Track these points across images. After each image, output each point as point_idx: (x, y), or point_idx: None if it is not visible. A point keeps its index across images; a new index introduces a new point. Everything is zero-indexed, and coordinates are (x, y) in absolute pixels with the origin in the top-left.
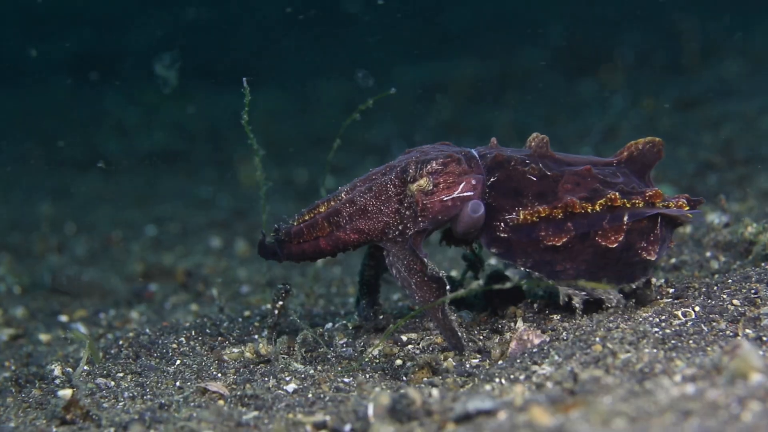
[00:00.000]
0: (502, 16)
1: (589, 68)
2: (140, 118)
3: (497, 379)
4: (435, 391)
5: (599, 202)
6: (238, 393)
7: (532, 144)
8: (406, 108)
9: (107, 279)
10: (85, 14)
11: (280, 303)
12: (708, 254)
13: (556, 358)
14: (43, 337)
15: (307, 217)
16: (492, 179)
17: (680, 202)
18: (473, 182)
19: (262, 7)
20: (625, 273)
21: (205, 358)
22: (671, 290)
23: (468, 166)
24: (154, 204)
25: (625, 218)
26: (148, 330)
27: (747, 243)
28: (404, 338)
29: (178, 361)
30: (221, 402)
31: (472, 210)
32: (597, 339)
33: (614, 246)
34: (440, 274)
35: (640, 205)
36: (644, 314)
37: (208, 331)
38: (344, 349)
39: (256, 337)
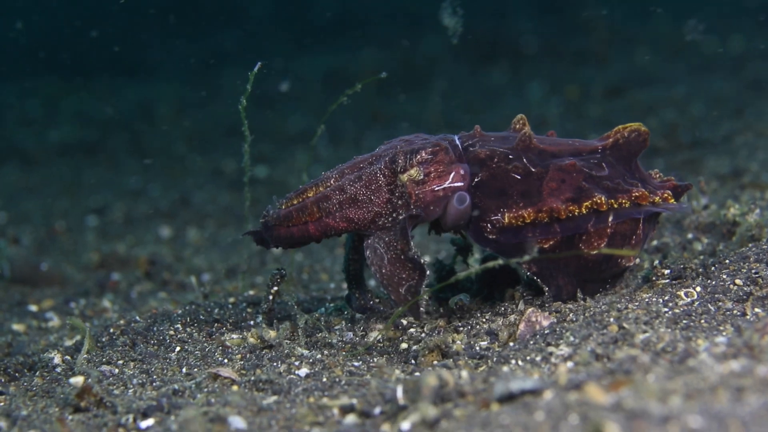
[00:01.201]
0: (400, 5)
1: (493, 57)
2: (42, 111)
3: (513, 361)
4: (464, 373)
5: (585, 204)
6: (252, 378)
7: (517, 127)
8: (313, 98)
9: (64, 269)
10: None
11: (275, 288)
12: (690, 236)
13: (572, 339)
14: (17, 326)
15: (295, 201)
16: (476, 179)
17: (666, 194)
18: (462, 172)
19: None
20: (606, 282)
21: (206, 345)
22: (666, 271)
23: (454, 155)
24: (83, 195)
25: (610, 219)
26: (137, 317)
27: (730, 224)
28: (404, 322)
29: (178, 348)
30: (235, 387)
31: (458, 201)
32: (611, 319)
33: (594, 254)
34: (421, 260)
35: (627, 206)
36: (645, 295)
37: (202, 317)
38: (345, 334)
39: (252, 323)
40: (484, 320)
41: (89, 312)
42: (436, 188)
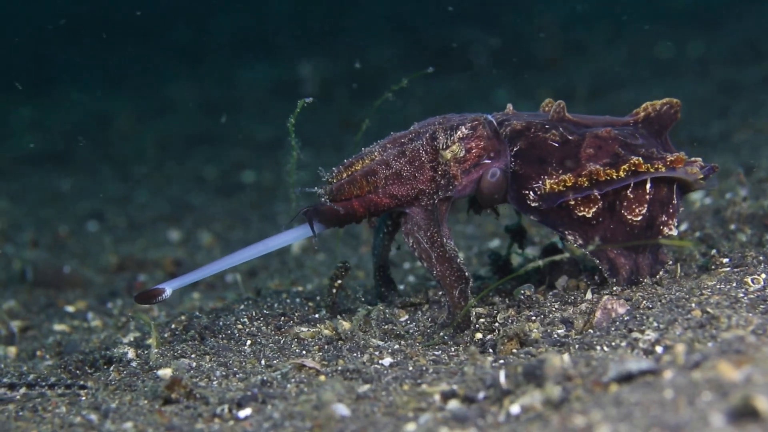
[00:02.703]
0: (348, 16)
1: (444, 65)
2: None
3: (598, 347)
4: (566, 357)
5: (623, 167)
6: (339, 368)
7: (546, 109)
8: (266, 107)
9: (83, 272)
10: None
11: (339, 282)
12: (732, 227)
13: (656, 324)
14: (59, 327)
15: (344, 175)
16: (515, 148)
17: (694, 169)
18: (499, 147)
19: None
20: (654, 255)
21: (279, 337)
22: (725, 260)
23: (491, 131)
24: (70, 202)
25: (648, 187)
26: (198, 313)
27: None
28: (473, 312)
29: (249, 341)
30: (322, 377)
31: (490, 175)
32: (693, 305)
33: (638, 219)
34: (458, 259)
35: (662, 170)
36: (710, 282)
37: (266, 311)
38: (410, 325)
39: (317, 316)
40: (554, 309)
41: (128, 311)
42: (477, 165)
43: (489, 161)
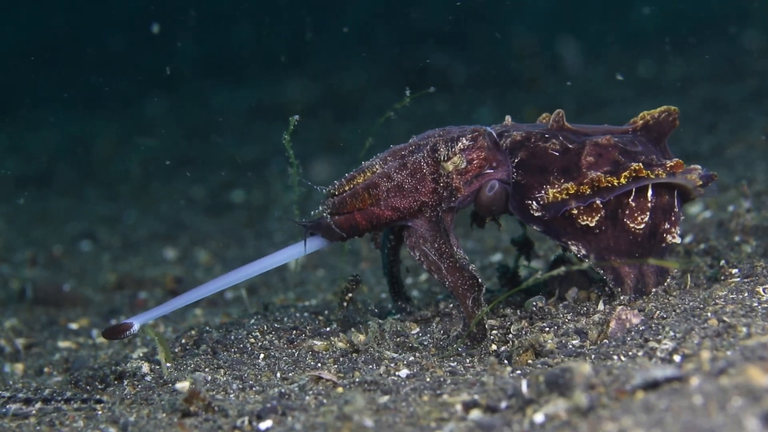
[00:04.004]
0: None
1: (422, 86)
2: None
3: (615, 357)
4: (587, 366)
5: (624, 174)
6: (356, 380)
7: (544, 121)
8: (244, 129)
9: (82, 290)
10: None
11: (350, 295)
12: (737, 238)
13: (672, 333)
14: (64, 344)
15: (347, 188)
16: (516, 159)
17: (693, 176)
18: (500, 158)
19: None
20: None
21: (293, 350)
22: (735, 270)
23: (491, 142)
24: (59, 223)
25: (649, 194)
26: (207, 328)
27: None
28: (485, 324)
29: (263, 355)
30: (339, 389)
31: (488, 189)
32: (709, 314)
33: (641, 227)
34: (471, 266)
35: (663, 176)
36: (722, 292)
37: (277, 325)
38: (424, 337)
39: (328, 329)
40: (567, 320)
41: None
42: (478, 176)
43: (491, 171)
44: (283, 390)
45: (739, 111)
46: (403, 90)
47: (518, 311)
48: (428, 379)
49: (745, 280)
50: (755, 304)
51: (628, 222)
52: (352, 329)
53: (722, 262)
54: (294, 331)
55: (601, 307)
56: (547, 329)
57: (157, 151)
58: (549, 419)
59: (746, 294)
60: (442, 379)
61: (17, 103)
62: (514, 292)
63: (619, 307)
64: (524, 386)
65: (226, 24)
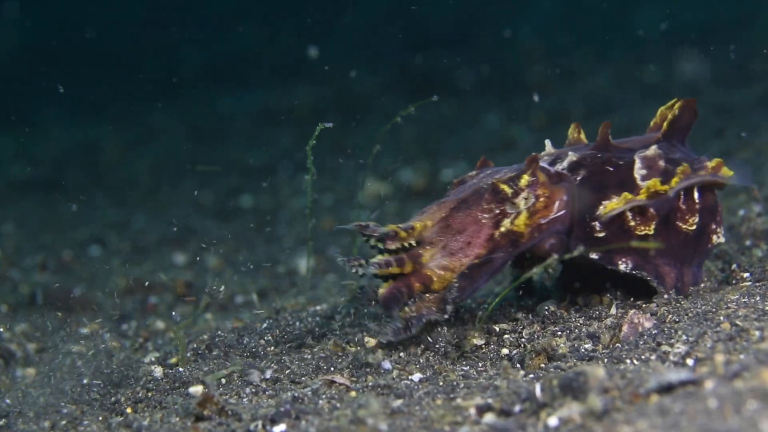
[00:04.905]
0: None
1: (429, 91)
2: None
3: (627, 361)
4: (601, 370)
5: (674, 180)
6: (369, 384)
7: (575, 135)
8: (254, 134)
9: (92, 295)
10: None
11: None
12: (748, 242)
13: (685, 337)
14: (76, 348)
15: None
16: (578, 178)
17: (728, 171)
18: (565, 198)
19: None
20: (698, 267)
21: (306, 355)
22: (746, 274)
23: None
24: (68, 228)
25: (696, 195)
26: (219, 332)
27: None
28: (497, 328)
29: (274, 359)
30: (353, 393)
31: (548, 246)
32: (722, 317)
33: (692, 228)
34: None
35: (708, 177)
36: (734, 296)
37: (289, 329)
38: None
39: (339, 333)
40: (579, 324)
41: (143, 333)
42: (543, 221)
43: (564, 212)
44: (296, 394)
45: (748, 116)
46: (410, 94)
47: (530, 315)
48: (441, 383)
49: (757, 284)
50: None
51: (680, 224)
52: (363, 333)
53: (733, 266)
54: (306, 336)
55: (613, 311)
56: (560, 333)
57: (165, 156)
58: (563, 423)
59: (758, 298)
60: (455, 383)
61: (25, 108)
62: (507, 293)
63: (632, 311)
64: (538, 390)
65: (232, 28)
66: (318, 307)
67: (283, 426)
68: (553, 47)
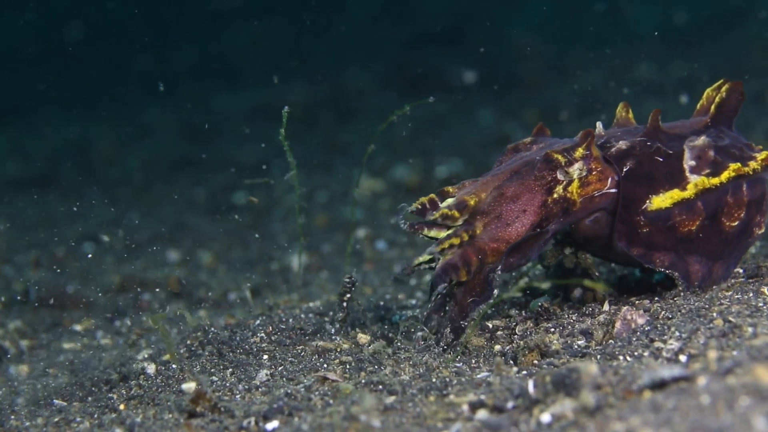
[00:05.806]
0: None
1: (421, 88)
2: None
3: (620, 357)
4: (594, 366)
5: (724, 174)
6: (363, 381)
7: (623, 114)
8: (246, 131)
9: (86, 291)
10: None
11: (348, 296)
12: None
13: (678, 333)
14: (68, 345)
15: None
16: (624, 168)
17: None
18: (616, 178)
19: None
20: (732, 264)
21: (299, 352)
22: (740, 271)
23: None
24: (61, 225)
25: (745, 188)
26: (213, 329)
27: None
28: (490, 325)
29: (268, 356)
30: (346, 390)
31: (592, 220)
32: (715, 314)
33: (735, 224)
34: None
35: (759, 170)
36: (727, 293)
37: (282, 326)
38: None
39: (332, 330)
40: (573, 320)
41: (136, 329)
42: (597, 194)
43: (614, 190)
44: (289, 391)
45: (743, 112)
46: (404, 91)
47: (523, 312)
48: (434, 380)
49: (750, 280)
50: (761, 305)
51: (725, 221)
52: (356, 329)
53: None
54: (299, 332)
55: (606, 307)
56: (553, 330)
57: (157, 153)
58: (556, 419)
59: (751, 294)
60: (448, 379)
61: (17, 105)
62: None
63: (625, 308)
64: (531, 386)
65: (225, 26)
66: (311, 304)
67: (276, 423)
68: (546, 44)
